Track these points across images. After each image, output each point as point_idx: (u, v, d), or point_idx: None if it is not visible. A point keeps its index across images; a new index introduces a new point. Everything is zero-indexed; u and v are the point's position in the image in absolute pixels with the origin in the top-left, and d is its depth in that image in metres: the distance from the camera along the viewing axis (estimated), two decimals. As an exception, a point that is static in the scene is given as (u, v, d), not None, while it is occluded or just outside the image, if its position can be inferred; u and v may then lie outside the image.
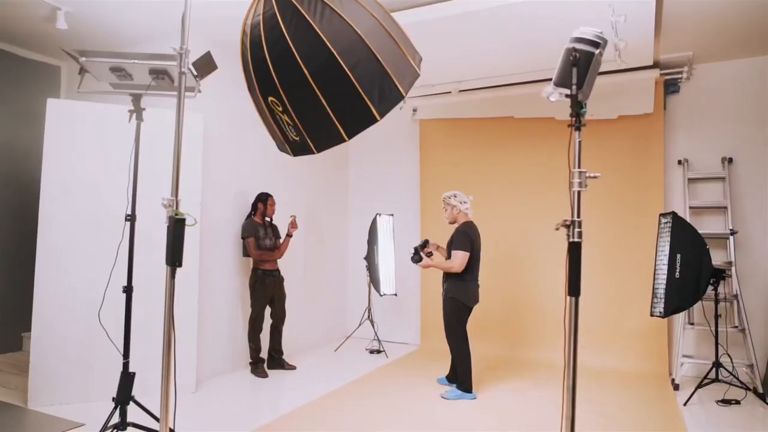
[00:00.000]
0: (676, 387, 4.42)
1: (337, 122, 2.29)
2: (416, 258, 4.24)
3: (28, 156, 4.75)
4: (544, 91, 1.71)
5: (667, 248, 4.14)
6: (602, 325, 5.17)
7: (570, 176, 1.69)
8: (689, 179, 4.94)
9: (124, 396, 2.60)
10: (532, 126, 5.54)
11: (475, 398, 4.05)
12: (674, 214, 4.15)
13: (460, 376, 4.10)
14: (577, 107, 1.67)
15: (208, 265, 4.51)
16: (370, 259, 5.70)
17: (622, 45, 3.81)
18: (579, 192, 1.69)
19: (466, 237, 4.08)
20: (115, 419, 2.67)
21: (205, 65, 2.75)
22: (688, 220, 4.62)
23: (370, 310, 5.92)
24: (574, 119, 1.69)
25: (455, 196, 4.23)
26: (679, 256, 4.04)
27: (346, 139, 2.33)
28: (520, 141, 5.64)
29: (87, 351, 3.78)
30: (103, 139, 3.90)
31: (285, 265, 5.06)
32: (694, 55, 4.78)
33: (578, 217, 1.68)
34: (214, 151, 4.63)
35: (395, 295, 5.88)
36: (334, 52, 2.15)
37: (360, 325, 5.98)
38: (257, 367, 4.72)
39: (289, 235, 4.92)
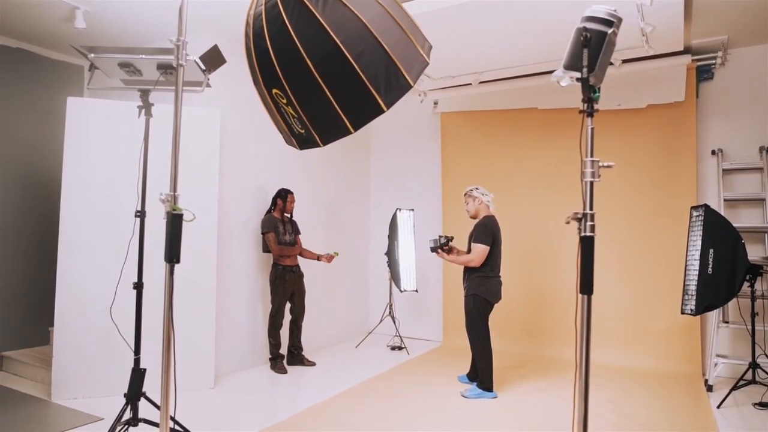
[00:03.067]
0: (709, 388, 4.22)
1: (342, 114, 2.21)
2: (433, 249, 4.21)
3: (51, 154, 4.84)
4: (553, 75, 1.60)
5: (699, 243, 3.94)
6: (631, 323, 4.98)
7: (582, 166, 1.58)
8: (724, 170, 4.69)
9: (134, 392, 2.60)
10: (557, 117, 5.36)
11: (495, 397, 3.94)
12: (706, 207, 3.95)
13: (482, 375, 3.99)
14: (589, 91, 1.55)
15: (226, 261, 4.51)
16: (391, 254, 5.63)
17: (649, 29, 3.61)
18: (591, 183, 1.57)
19: (488, 230, 3.98)
20: (128, 415, 2.68)
21: (213, 59, 2.71)
22: (722, 213, 4.40)
23: (391, 306, 5.85)
24: (585, 105, 1.58)
25: (477, 189, 4.14)
26: (711, 250, 3.84)
27: (352, 131, 2.26)
28: (545, 133, 5.46)
29: (108, 346, 3.82)
30: (122, 136, 3.93)
31: (305, 260, 5.02)
32: (729, 39, 4.53)
33: (591, 209, 1.57)
34: (232, 146, 4.63)
35: (416, 291, 5.80)
36: (338, 41, 2.08)
37: (381, 321, 5.92)
38: (276, 363, 4.72)
39: (318, 258, 4.98)
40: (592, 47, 1.52)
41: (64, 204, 3.85)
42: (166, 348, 1.81)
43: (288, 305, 4.86)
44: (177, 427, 2.67)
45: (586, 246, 1.57)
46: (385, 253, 5.72)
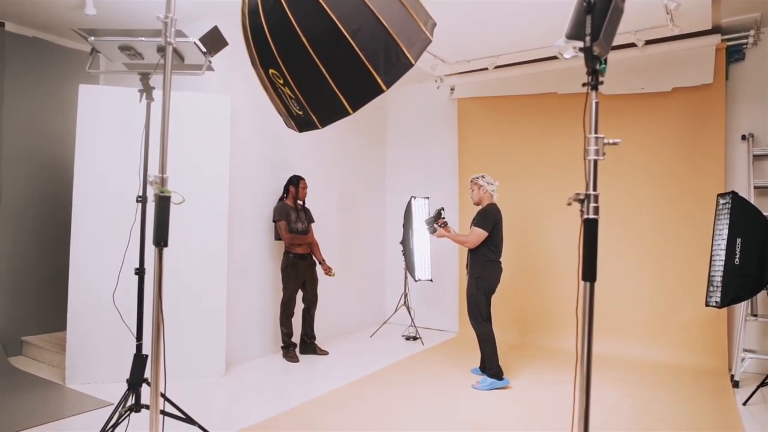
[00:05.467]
0: (735, 384, 4.04)
1: (339, 94, 2.14)
2: (431, 230, 4.24)
3: (67, 142, 4.88)
4: (554, 45, 1.49)
5: (725, 232, 3.75)
6: (653, 314, 4.81)
7: (585, 143, 1.46)
8: (755, 156, 4.45)
9: (136, 378, 2.59)
10: (578, 102, 5.13)
11: (508, 384, 3.87)
12: (734, 194, 3.75)
13: (488, 362, 3.93)
14: (593, 62, 1.43)
15: (238, 249, 4.50)
16: (406, 243, 5.54)
17: (673, 6, 3.42)
18: (595, 161, 1.46)
19: (490, 217, 3.98)
20: (131, 401, 2.67)
21: (214, 41, 2.65)
22: (752, 200, 4.17)
23: (406, 295, 5.77)
24: (589, 77, 1.46)
25: (483, 177, 4.15)
26: (739, 240, 3.66)
27: (351, 112, 2.18)
28: (564, 119, 5.27)
29: (120, 332, 3.81)
30: (133, 122, 3.90)
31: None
32: (762, 16, 4.28)
33: (594, 190, 1.46)
34: (244, 133, 4.59)
35: (431, 280, 5.71)
36: (334, 18, 2.00)
37: (396, 311, 5.86)
38: (288, 351, 4.69)
39: (321, 261, 4.88)
40: (597, 13, 1.40)
41: (77, 190, 3.88)
42: (156, 334, 1.77)
43: (300, 294, 4.82)
44: (177, 412, 2.66)
45: (589, 229, 1.46)
46: (400, 242, 5.64)
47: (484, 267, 3.97)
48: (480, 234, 3.95)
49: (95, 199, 3.88)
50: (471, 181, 4.20)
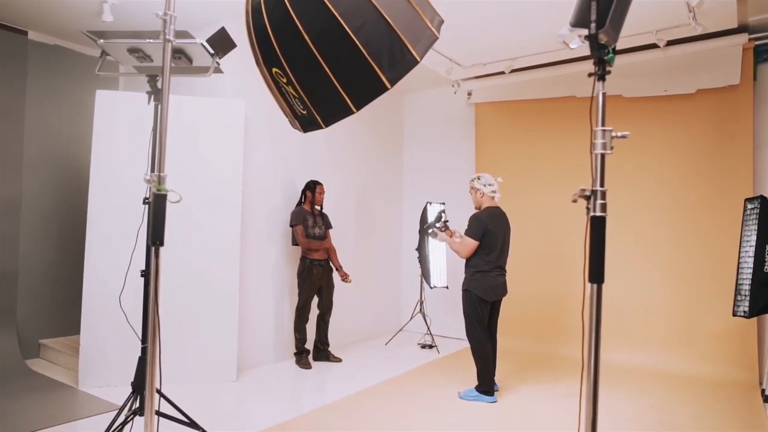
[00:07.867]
0: (766, 399, 3.84)
1: (343, 92, 2.09)
2: (432, 234, 4.06)
3: (85, 149, 4.95)
4: (558, 33, 1.42)
5: (753, 238, 3.59)
6: (678, 323, 4.62)
7: (591, 136, 1.38)
8: (785, 159, 4.28)
9: (141, 381, 2.56)
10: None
11: (495, 401, 3.69)
12: (763, 199, 3.59)
13: (478, 377, 3.76)
14: (599, 51, 1.35)
15: (252, 254, 4.48)
16: (421, 249, 5.46)
17: (695, 2, 3.29)
18: (603, 155, 1.37)
19: (479, 224, 3.71)
20: (136, 404, 2.65)
21: (222, 42, 2.64)
22: (782, 206, 3.99)
23: (422, 303, 5.68)
24: (596, 67, 1.38)
25: (479, 179, 3.87)
26: (768, 246, 3.49)
27: (355, 110, 2.13)
28: (584, 122, 5.14)
29: (133, 336, 3.83)
30: (148, 127, 3.94)
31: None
32: (792, 14, 4.11)
33: (602, 186, 1.37)
34: (259, 137, 4.59)
35: (446, 287, 5.61)
36: (336, 14, 1.96)
37: (411, 318, 5.77)
38: (301, 357, 4.65)
39: (338, 267, 4.82)
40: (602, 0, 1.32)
41: (92, 193, 3.91)
42: (152, 334, 1.73)
43: (315, 300, 4.78)
44: (180, 415, 2.62)
45: (596, 228, 1.37)
46: (416, 249, 5.56)
47: (472, 279, 3.75)
48: (470, 244, 3.71)
49: (110, 203, 3.91)
50: (469, 185, 3.98)
